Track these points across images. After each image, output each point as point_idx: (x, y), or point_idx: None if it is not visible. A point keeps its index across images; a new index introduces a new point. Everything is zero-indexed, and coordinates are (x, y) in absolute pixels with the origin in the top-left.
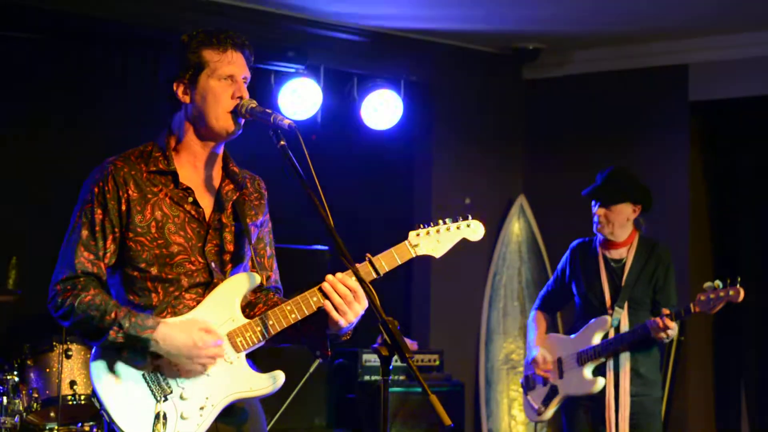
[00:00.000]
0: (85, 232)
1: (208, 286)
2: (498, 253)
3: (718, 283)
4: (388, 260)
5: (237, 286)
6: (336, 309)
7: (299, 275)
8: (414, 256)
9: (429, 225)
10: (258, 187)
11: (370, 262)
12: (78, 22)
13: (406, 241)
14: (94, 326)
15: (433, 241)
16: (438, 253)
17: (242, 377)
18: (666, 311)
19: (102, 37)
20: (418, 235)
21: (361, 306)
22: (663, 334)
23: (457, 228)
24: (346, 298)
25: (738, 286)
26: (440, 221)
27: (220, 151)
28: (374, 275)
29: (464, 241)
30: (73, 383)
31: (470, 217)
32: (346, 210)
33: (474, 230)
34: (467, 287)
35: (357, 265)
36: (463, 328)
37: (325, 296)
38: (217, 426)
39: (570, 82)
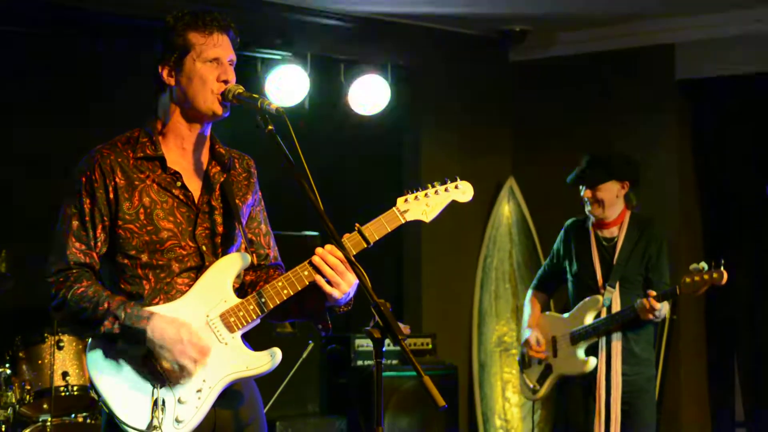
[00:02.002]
0: (75, 223)
1: (200, 269)
2: (488, 235)
3: (703, 265)
4: (377, 228)
5: (228, 266)
6: (329, 281)
7: (290, 261)
8: (403, 222)
9: (417, 190)
10: (247, 166)
11: (360, 232)
12: (61, 13)
13: (394, 208)
14: (87, 318)
15: (422, 205)
16: (428, 217)
17: (238, 357)
18: (652, 293)
19: (85, 27)
20: (406, 200)
21: (353, 276)
22: (651, 315)
23: (445, 190)
24: (336, 268)
25: (722, 268)
26: (428, 185)
27: (208, 132)
28: (364, 244)
29: (456, 220)
30: (65, 374)
31: (458, 179)
32: (336, 196)
33: (463, 191)
34: (458, 271)
35: (347, 235)
36: (455, 312)
37: (317, 270)
38: (215, 411)
39: (557, 63)
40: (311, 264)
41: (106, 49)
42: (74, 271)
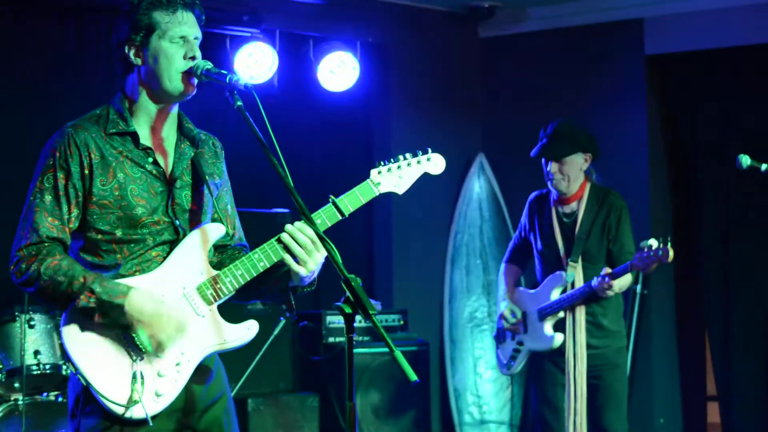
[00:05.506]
0: (48, 197)
1: (175, 243)
2: (459, 211)
3: (653, 242)
4: (351, 200)
5: (202, 238)
6: (296, 259)
7: (260, 238)
8: (377, 194)
9: (389, 161)
10: (213, 146)
11: (335, 204)
12: None
13: (368, 180)
14: (62, 291)
15: (395, 177)
16: (401, 189)
17: (216, 330)
18: (607, 270)
19: (56, 6)
20: (379, 173)
21: (321, 254)
22: (609, 292)
23: (417, 162)
24: (306, 247)
25: (668, 246)
26: (400, 157)
27: (175, 110)
28: (339, 216)
29: (426, 196)
30: (37, 353)
31: (430, 151)
32: (306, 173)
33: (435, 163)
34: (429, 247)
35: (321, 208)
36: (426, 288)
37: (285, 248)
38: (189, 386)
39: (526, 39)
40: (279, 241)
41: (77, 30)
42: (46, 244)
